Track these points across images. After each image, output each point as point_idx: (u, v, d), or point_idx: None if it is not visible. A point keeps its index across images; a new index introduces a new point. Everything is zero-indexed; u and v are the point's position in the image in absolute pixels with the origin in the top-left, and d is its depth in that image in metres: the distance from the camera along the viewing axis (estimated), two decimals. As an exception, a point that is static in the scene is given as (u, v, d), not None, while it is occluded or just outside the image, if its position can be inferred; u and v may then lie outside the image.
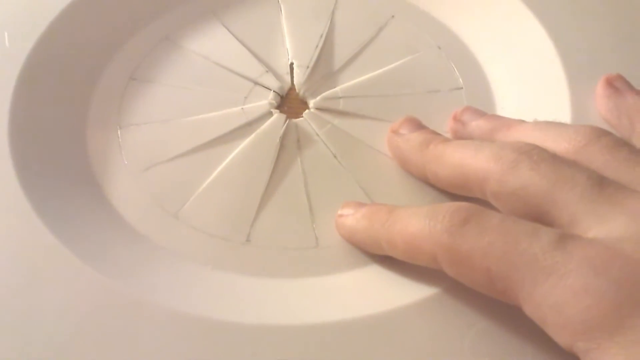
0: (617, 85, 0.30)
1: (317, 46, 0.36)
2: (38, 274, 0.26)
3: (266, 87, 0.34)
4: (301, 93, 0.34)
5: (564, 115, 0.31)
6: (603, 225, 0.21)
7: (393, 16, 0.38)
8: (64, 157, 0.31)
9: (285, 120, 0.33)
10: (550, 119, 0.28)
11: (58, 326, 0.25)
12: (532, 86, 0.32)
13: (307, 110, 0.33)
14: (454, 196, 0.28)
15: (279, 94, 0.34)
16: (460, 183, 0.27)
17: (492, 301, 0.23)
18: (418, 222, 0.24)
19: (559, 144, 0.25)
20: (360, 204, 0.28)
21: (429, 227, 0.23)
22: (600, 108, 0.30)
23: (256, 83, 0.34)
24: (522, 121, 0.29)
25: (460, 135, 0.31)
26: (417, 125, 0.31)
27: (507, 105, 0.33)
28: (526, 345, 0.24)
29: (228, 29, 0.37)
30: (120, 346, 0.25)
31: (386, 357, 0.24)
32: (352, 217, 0.28)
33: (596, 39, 0.34)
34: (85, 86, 0.34)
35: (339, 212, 0.29)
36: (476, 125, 0.30)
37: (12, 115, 0.30)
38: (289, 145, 0.32)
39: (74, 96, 0.33)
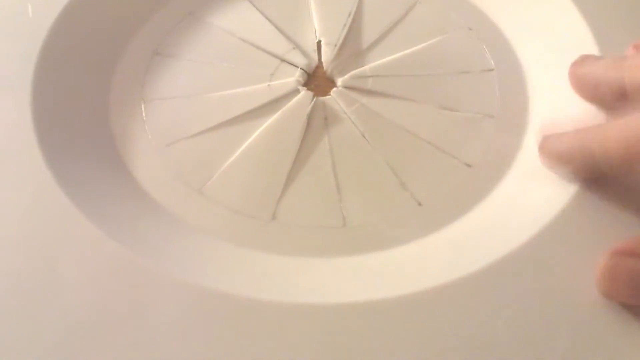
0: None
1: (345, 24, 0.35)
2: (63, 247, 0.26)
3: (293, 65, 0.34)
4: (329, 71, 0.34)
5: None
6: None
7: (423, -5, 0.37)
8: (87, 130, 0.31)
9: (313, 98, 0.32)
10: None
11: (82, 296, 0.24)
12: (565, 68, 0.31)
13: (335, 89, 0.33)
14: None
15: (306, 72, 0.34)
16: None
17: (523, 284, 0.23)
18: (636, 121, 0.24)
19: None
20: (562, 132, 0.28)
21: None
22: None
23: (283, 60, 0.34)
24: None
25: None
26: (599, 57, 0.30)
27: (538, 87, 0.32)
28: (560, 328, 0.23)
29: (254, 5, 0.36)
30: (141, 319, 0.24)
31: (412, 339, 0.24)
32: (559, 140, 0.28)
33: (631, 22, 0.33)
34: (109, 60, 0.34)
35: (541, 141, 0.29)
36: None
37: (35, 88, 0.30)
38: (316, 124, 0.31)
39: (97, 70, 0.33)
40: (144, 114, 0.32)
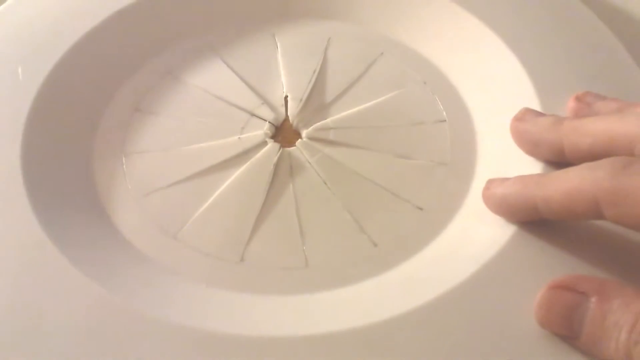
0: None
1: (310, 81, 0.38)
2: (47, 289, 0.28)
3: (262, 118, 0.37)
4: (295, 124, 0.37)
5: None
6: None
7: (382, 53, 0.40)
8: (72, 182, 0.33)
9: (279, 149, 0.35)
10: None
11: (64, 337, 0.27)
12: (510, 118, 0.34)
13: (299, 140, 0.36)
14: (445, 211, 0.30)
15: (273, 125, 0.37)
16: (603, 149, 0.27)
17: (466, 315, 0.26)
18: (577, 174, 0.26)
19: None
20: (505, 178, 0.30)
21: (590, 175, 0.25)
22: None
23: (252, 114, 0.37)
24: None
25: (583, 115, 0.32)
26: (539, 112, 0.32)
27: (487, 136, 0.35)
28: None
29: (227, 64, 0.39)
30: (120, 357, 0.26)
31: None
32: (502, 186, 0.29)
33: (571, 75, 0.36)
34: (93, 117, 0.37)
35: (485, 186, 0.31)
36: (603, 104, 0.32)
37: (24, 144, 0.33)
38: (282, 172, 0.34)
39: (82, 126, 0.36)
40: (124, 166, 0.35)
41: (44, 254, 0.29)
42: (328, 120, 0.37)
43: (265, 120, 0.37)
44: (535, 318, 0.27)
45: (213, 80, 0.39)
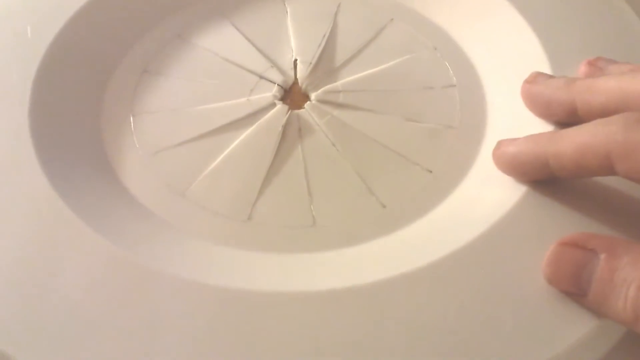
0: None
1: (319, 45, 0.38)
2: (57, 245, 0.28)
3: (271, 81, 0.36)
4: (304, 87, 0.37)
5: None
6: None
7: (392, 19, 0.40)
8: (81, 140, 0.33)
9: (288, 111, 0.35)
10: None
11: (72, 289, 0.27)
12: (520, 84, 0.34)
13: (308, 102, 0.36)
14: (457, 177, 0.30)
15: (282, 88, 0.36)
16: (616, 107, 0.27)
17: (475, 274, 0.26)
18: (590, 129, 0.26)
19: None
20: (515, 138, 0.30)
21: (603, 130, 0.25)
22: None
23: (261, 77, 0.37)
24: None
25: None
26: (550, 75, 0.32)
27: (497, 101, 0.35)
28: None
29: (236, 28, 0.39)
30: (128, 311, 0.26)
31: (372, 324, 0.26)
32: (513, 144, 0.29)
33: (582, 41, 0.35)
34: (101, 77, 0.37)
35: (495, 146, 0.30)
36: (615, 67, 0.32)
37: (32, 103, 0.33)
38: (291, 134, 0.34)
39: (90, 86, 0.36)
40: (132, 126, 0.35)
41: (53, 210, 0.29)
42: (337, 83, 0.37)
43: (274, 83, 0.36)
44: (543, 275, 0.27)
45: (222, 43, 0.39)
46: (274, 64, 0.37)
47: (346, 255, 0.30)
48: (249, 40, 0.39)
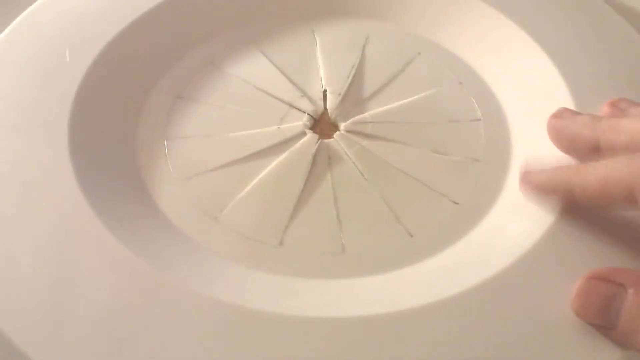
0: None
1: (348, 76, 0.39)
2: (93, 263, 0.29)
3: (301, 110, 0.37)
4: (333, 117, 0.38)
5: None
6: None
7: (419, 53, 0.41)
8: (117, 164, 0.34)
9: (318, 140, 0.36)
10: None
11: (106, 308, 0.28)
12: (544, 119, 0.35)
13: (338, 132, 0.37)
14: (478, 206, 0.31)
15: (312, 117, 0.37)
16: (637, 146, 0.28)
17: (502, 305, 0.27)
18: (615, 164, 0.27)
19: None
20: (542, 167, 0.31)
21: (628, 165, 0.26)
22: None
23: (292, 106, 0.38)
24: None
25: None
26: (577, 111, 0.33)
27: (520, 135, 0.36)
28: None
29: (267, 57, 0.40)
30: (159, 329, 0.27)
31: (400, 351, 0.27)
32: (545, 173, 0.30)
33: (605, 80, 0.36)
34: (136, 102, 0.38)
35: (524, 170, 0.31)
36: (637, 110, 0.33)
37: (71, 127, 0.34)
38: (321, 163, 0.35)
39: (126, 111, 0.37)
40: (166, 151, 0.36)
41: (90, 228, 0.30)
42: (366, 114, 0.38)
43: (304, 112, 0.37)
44: (572, 308, 0.27)
45: (253, 71, 0.40)
46: (304, 94, 0.38)
47: (374, 282, 0.31)
48: (279, 69, 0.40)
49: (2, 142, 0.33)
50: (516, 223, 0.31)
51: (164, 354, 0.26)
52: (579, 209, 0.30)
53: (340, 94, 0.38)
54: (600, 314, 0.26)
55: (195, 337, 0.27)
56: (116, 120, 0.36)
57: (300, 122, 0.37)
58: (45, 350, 0.26)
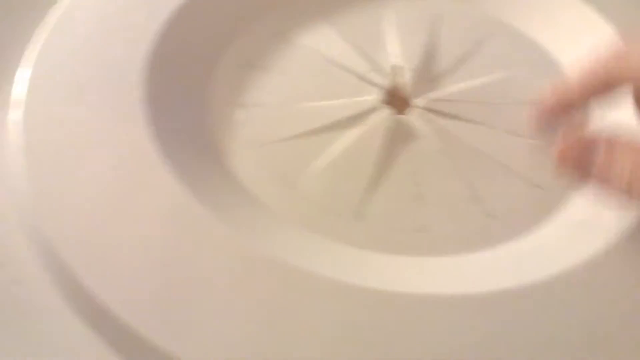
0: None
1: (421, 53, 0.38)
2: (175, 225, 0.29)
3: (373, 84, 0.36)
4: (405, 93, 0.37)
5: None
6: None
7: (493, 34, 0.40)
8: (191, 131, 0.34)
9: (393, 115, 0.35)
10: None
11: (188, 269, 0.28)
12: (618, 101, 0.34)
13: (413, 108, 0.36)
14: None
15: (384, 91, 0.36)
16: None
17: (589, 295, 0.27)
18: None
19: None
20: None
21: None
22: None
23: (363, 79, 0.37)
24: None
25: None
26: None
27: (597, 117, 0.35)
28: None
29: (338, 30, 0.39)
30: (234, 292, 0.27)
31: (480, 334, 0.27)
32: None
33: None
34: (207, 69, 0.37)
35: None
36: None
37: (146, 94, 0.33)
38: (395, 138, 0.34)
39: (197, 77, 0.36)
40: (238, 118, 0.35)
41: (175, 199, 0.30)
42: (439, 92, 0.37)
43: (376, 86, 0.36)
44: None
45: (323, 43, 0.39)
46: (375, 68, 0.37)
47: (454, 262, 0.30)
48: (350, 42, 0.39)
49: (75, 106, 0.32)
50: (602, 211, 0.30)
51: (237, 317, 0.26)
52: None
53: (412, 70, 0.37)
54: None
55: (279, 306, 0.27)
56: (188, 86, 0.36)
57: (373, 96, 0.36)
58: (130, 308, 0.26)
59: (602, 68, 0.30)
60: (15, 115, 0.32)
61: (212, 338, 0.26)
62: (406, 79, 0.37)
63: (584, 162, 0.28)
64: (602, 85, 0.30)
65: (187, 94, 0.35)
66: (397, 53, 0.38)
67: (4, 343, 0.28)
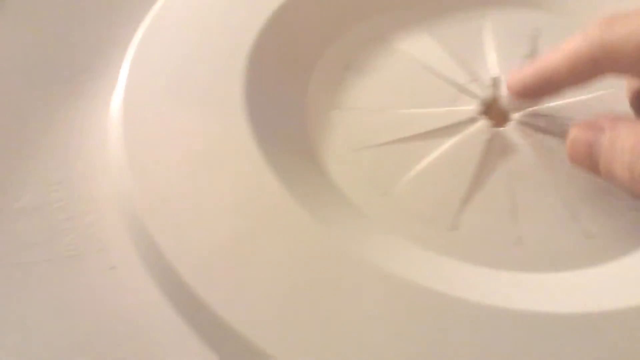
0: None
1: (520, 65, 0.38)
2: (271, 220, 0.30)
3: (471, 95, 0.36)
4: (504, 106, 0.36)
5: None
6: None
7: (595, 50, 0.39)
8: (289, 131, 0.34)
9: (491, 127, 0.35)
10: None
11: (286, 268, 0.28)
12: None
13: (510, 122, 0.35)
14: None
15: (483, 103, 0.36)
16: None
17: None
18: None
19: None
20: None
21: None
22: None
23: (462, 90, 0.37)
24: None
25: None
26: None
27: None
28: None
29: (436, 38, 0.39)
30: (331, 294, 0.28)
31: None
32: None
33: None
34: (305, 71, 0.37)
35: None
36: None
37: (246, 92, 0.34)
38: (493, 151, 0.34)
39: (296, 78, 0.37)
40: (335, 120, 0.35)
41: (273, 197, 0.30)
42: (539, 107, 0.36)
43: (475, 98, 0.36)
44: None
45: (421, 50, 0.39)
46: (474, 79, 0.37)
47: (551, 280, 0.30)
48: (448, 51, 0.38)
49: (178, 112, 0.33)
50: None
51: (337, 322, 0.27)
52: None
53: (512, 83, 0.37)
54: (587, 159, 0.30)
55: (366, 307, 0.27)
56: (287, 86, 0.36)
57: (471, 107, 0.36)
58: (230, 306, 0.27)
59: (588, 54, 0.30)
60: (116, 105, 0.33)
61: (310, 340, 0.26)
62: (505, 93, 0.37)
63: (590, 157, 0.29)
64: (589, 72, 0.30)
65: (286, 93, 0.36)
66: (497, 65, 0.38)
67: (97, 323, 0.28)
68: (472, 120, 0.35)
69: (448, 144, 0.34)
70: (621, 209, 0.32)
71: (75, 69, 0.37)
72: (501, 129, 0.35)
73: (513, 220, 0.32)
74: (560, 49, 0.31)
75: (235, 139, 0.31)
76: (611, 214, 0.32)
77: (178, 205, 0.30)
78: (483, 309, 0.27)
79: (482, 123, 0.35)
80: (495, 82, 0.37)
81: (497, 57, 0.38)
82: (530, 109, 0.36)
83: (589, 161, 0.29)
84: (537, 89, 0.33)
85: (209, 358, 0.27)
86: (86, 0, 0.40)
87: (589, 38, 0.29)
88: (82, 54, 0.37)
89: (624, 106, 0.36)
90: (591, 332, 0.27)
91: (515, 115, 0.36)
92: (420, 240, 0.31)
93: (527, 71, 0.32)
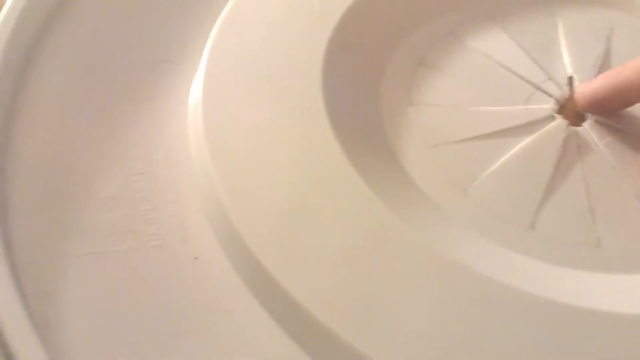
0: None
1: (594, 64, 0.38)
2: (349, 213, 0.30)
3: (547, 94, 0.36)
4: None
5: None
6: None
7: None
8: (365, 125, 0.35)
9: (567, 126, 0.35)
10: None
11: (372, 265, 0.28)
12: None
13: (587, 121, 0.35)
14: None
15: (559, 102, 0.36)
16: None
17: None
18: None
19: None
20: None
21: None
22: None
23: (537, 88, 0.36)
24: None
25: None
26: None
27: None
28: None
29: (509, 35, 0.39)
30: (416, 293, 0.28)
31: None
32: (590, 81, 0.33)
33: None
34: (380, 66, 0.37)
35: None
36: None
37: (324, 87, 0.34)
38: (570, 150, 0.34)
39: (370, 73, 0.37)
40: (410, 117, 0.35)
41: (353, 190, 0.31)
42: (615, 107, 0.36)
43: (551, 96, 0.36)
44: None
45: (494, 47, 0.39)
46: (549, 77, 0.37)
47: (631, 281, 0.29)
48: (522, 49, 0.38)
49: (257, 104, 0.33)
50: None
51: (407, 317, 0.27)
52: None
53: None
54: None
55: (449, 305, 0.28)
56: (362, 80, 0.36)
57: (547, 105, 0.36)
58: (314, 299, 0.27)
59: None
60: (196, 95, 0.33)
61: (400, 338, 0.26)
62: (581, 91, 0.36)
63: None
64: None
65: (361, 88, 0.36)
66: (571, 63, 0.38)
67: (181, 312, 0.29)
68: (548, 119, 0.35)
69: (525, 142, 0.34)
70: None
71: (155, 60, 0.37)
72: (578, 128, 0.35)
73: (590, 221, 0.31)
74: (635, 61, 0.30)
75: (316, 134, 0.32)
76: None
77: (260, 197, 0.30)
78: (561, 308, 0.27)
79: (559, 122, 0.35)
80: (570, 81, 0.37)
81: (571, 56, 0.38)
82: (607, 109, 0.36)
83: None
84: (608, 104, 0.32)
85: (295, 350, 0.28)
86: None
87: None
88: (162, 44, 0.38)
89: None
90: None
91: (591, 115, 0.36)
92: (497, 238, 0.31)
93: (597, 83, 0.32)
